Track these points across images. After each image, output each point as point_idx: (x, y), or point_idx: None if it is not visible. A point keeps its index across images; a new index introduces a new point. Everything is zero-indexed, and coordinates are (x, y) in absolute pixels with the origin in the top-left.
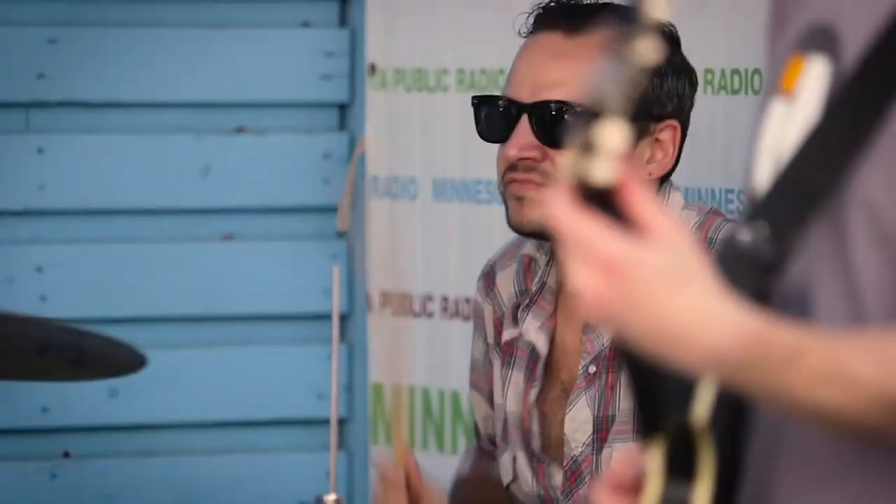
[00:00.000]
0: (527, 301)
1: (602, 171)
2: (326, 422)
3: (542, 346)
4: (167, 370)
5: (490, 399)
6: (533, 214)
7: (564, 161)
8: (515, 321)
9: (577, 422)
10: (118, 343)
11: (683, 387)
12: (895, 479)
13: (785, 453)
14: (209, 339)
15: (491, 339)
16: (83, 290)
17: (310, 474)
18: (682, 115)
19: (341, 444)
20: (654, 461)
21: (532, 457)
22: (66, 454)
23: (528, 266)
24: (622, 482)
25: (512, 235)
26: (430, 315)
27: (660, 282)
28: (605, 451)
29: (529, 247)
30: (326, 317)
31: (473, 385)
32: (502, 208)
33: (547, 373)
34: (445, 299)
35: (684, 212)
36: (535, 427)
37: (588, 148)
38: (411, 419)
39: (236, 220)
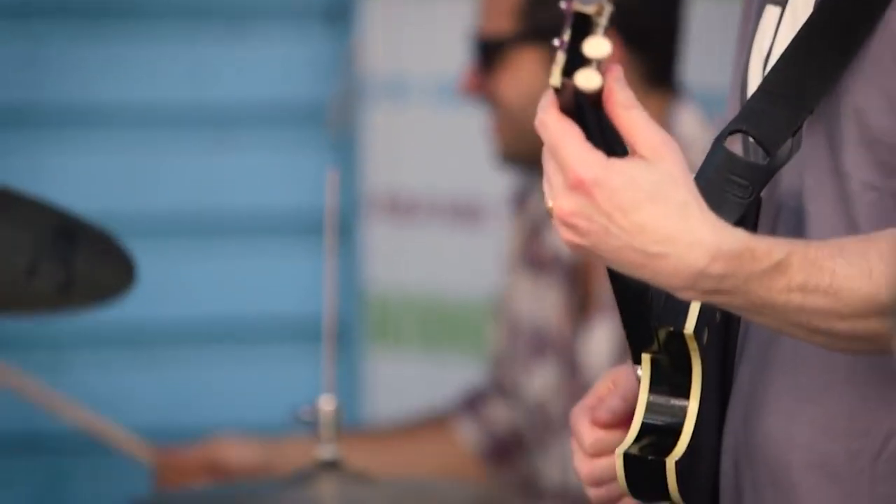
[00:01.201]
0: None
1: (586, 79)
2: (319, 326)
3: (573, 257)
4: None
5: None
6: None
7: (553, 69)
8: (548, 231)
9: (597, 344)
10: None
11: (671, 300)
12: (888, 389)
13: (775, 369)
14: (203, 244)
15: (518, 258)
16: None
17: (306, 378)
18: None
19: (337, 348)
20: (644, 373)
21: (569, 370)
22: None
23: None
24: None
25: None
26: (429, 219)
27: (634, 196)
28: None
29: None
30: (320, 219)
31: (497, 317)
32: None
33: (577, 287)
34: (443, 202)
35: (698, 128)
36: (572, 339)
37: (574, 56)
38: (407, 324)
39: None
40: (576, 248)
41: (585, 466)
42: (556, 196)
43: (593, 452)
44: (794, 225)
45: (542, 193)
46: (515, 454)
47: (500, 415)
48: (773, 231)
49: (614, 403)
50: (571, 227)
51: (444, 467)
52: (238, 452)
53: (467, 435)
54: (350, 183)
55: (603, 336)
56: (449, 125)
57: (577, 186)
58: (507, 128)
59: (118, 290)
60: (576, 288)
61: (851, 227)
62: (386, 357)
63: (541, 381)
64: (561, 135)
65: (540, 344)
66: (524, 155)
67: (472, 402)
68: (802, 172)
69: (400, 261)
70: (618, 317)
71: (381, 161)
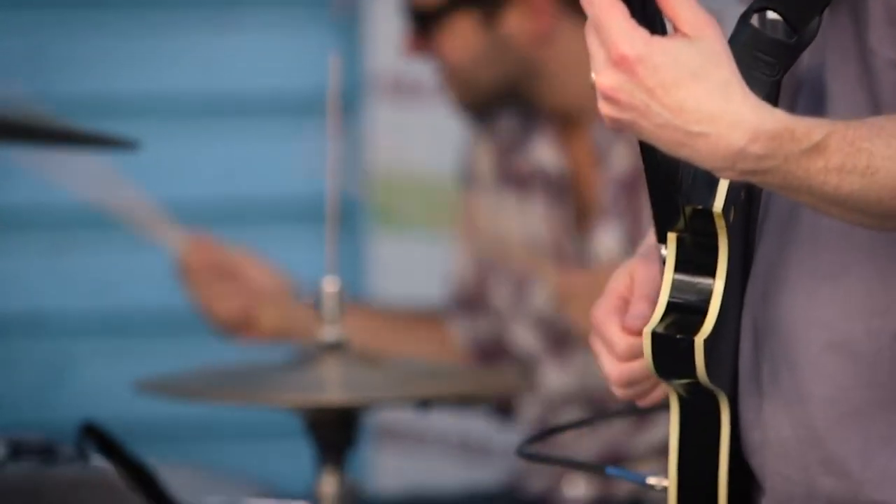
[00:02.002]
0: (535, 126)
1: None
2: (322, 204)
3: (558, 169)
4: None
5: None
6: None
7: None
8: (524, 148)
9: (606, 245)
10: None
11: (700, 179)
12: None
13: (794, 247)
14: (210, 122)
15: (491, 177)
16: None
17: (310, 260)
18: None
19: (341, 230)
20: (669, 252)
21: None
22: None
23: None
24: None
25: None
26: (433, 100)
27: (675, 75)
28: None
29: None
30: (322, 99)
31: (464, 235)
32: None
33: (568, 197)
34: None
35: None
36: (571, 248)
37: None
38: (411, 206)
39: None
40: (615, 122)
41: (616, 369)
42: (598, 71)
43: (627, 357)
44: (815, 102)
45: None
46: (502, 359)
47: (479, 326)
48: (792, 108)
49: (642, 308)
50: (613, 101)
51: (437, 357)
52: (261, 275)
53: (457, 332)
54: (353, 65)
55: (610, 239)
56: None
57: (620, 63)
58: (455, 82)
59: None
60: (567, 198)
61: (874, 104)
62: (389, 239)
63: (543, 294)
64: (606, 10)
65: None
66: (474, 104)
67: (463, 305)
68: (825, 50)
69: (403, 142)
70: (621, 218)
71: (384, 43)
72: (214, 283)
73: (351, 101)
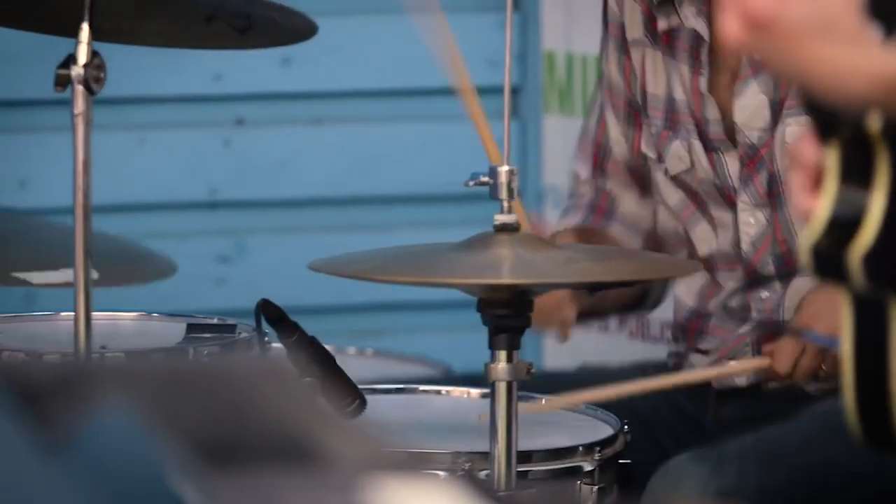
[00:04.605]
0: None
1: None
2: (499, 90)
3: (703, 31)
4: (339, 38)
5: (628, 119)
6: None
7: None
8: (672, 6)
9: (751, 109)
10: (288, 10)
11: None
12: None
13: None
14: (380, 5)
15: (638, 34)
16: None
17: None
18: None
19: (514, 113)
20: (830, 163)
21: (707, 145)
22: (239, 121)
23: None
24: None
25: None
26: None
27: (801, 34)
28: (779, 129)
29: None
30: None
31: (610, 105)
32: None
33: (712, 59)
34: None
35: None
36: (711, 115)
37: None
38: (575, 85)
39: None
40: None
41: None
42: (729, 21)
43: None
44: None
45: None
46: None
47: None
48: None
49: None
50: (741, 49)
51: None
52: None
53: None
54: None
55: (755, 97)
56: None
57: (752, 18)
58: None
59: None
60: (700, 58)
61: None
62: (560, 122)
63: (676, 156)
64: None
65: (673, 119)
66: None
67: (594, 207)
68: None
69: (572, 29)
70: (763, 77)
71: None
72: None
73: None
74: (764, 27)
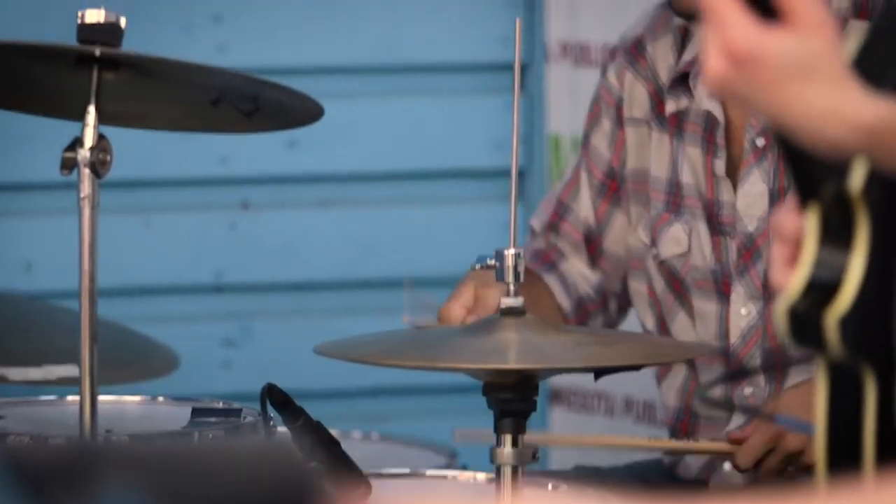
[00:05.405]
0: (697, 69)
1: None
2: (503, 173)
3: (718, 112)
4: (345, 121)
5: (601, 188)
6: None
7: None
8: (684, 90)
9: (752, 196)
10: (295, 93)
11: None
12: None
13: None
14: (387, 89)
15: (641, 114)
16: (261, 40)
17: (487, 226)
18: None
19: (520, 195)
20: (809, 227)
21: (715, 229)
22: (245, 204)
23: (683, 36)
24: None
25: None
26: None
27: (784, 74)
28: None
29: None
30: (504, 67)
31: (587, 170)
32: None
33: (728, 141)
34: None
35: None
36: (726, 197)
37: None
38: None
39: None
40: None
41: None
42: (710, 57)
43: None
44: None
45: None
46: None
47: (583, 273)
48: None
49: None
50: (719, 87)
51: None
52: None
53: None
54: (532, 31)
55: (755, 184)
56: None
57: (732, 55)
58: None
59: (306, 117)
60: (715, 140)
61: None
62: None
63: (673, 240)
64: (722, 1)
65: (675, 202)
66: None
67: (551, 262)
68: None
69: (577, 112)
70: (764, 166)
71: (561, 8)
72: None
73: (530, 67)
74: (745, 63)
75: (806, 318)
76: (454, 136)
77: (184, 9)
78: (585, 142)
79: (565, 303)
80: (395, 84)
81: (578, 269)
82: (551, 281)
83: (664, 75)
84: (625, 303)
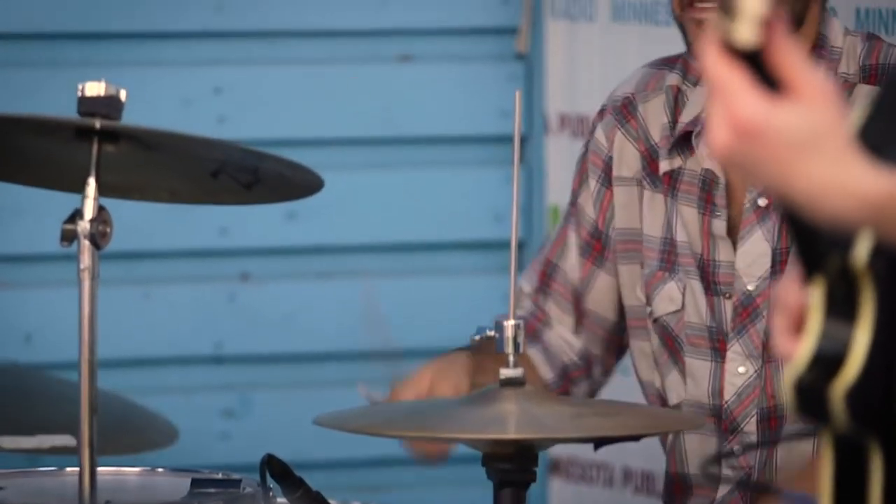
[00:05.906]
0: (699, 129)
1: (744, 33)
2: (503, 244)
3: (719, 171)
4: (345, 192)
5: (585, 247)
6: None
7: (711, 20)
8: (679, 151)
9: (752, 256)
10: (295, 165)
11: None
12: None
13: None
14: (387, 160)
15: (631, 173)
16: (260, 112)
17: (488, 297)
18: None
19: (520, 266)
20: (814, 299)
21: (709, 288)
22: (245, 276)
23: (676, 96)
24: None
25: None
26: None
27: (789, 148)
28: (779, 280)
29: (673, 77)
30: (504, 139)
31: (574, 229)
32: None
33: (719, 201)
34: None
35: (848, 38)
36: (723, 257)
37: (730, 9)
38: None
39: (414, 41)
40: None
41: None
42: (715, 128)
43: None
44: None
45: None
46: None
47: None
48: None
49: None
50: (724, 158)
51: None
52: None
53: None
54: (531, 103)
55: (757, 244)
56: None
57: (738, 127)
58: None
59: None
60: (714, 200)
61: None
62: None
63: (667, 297)
64: (727, 72)
65: (670, 259)
66: None
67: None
68: None
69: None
70: (767, 225)
71: (559, 81)
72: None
73: (530, 139)
74: (750, 137)
75: (812, 390)
76: (454, 207)
77: (184, 81)
78: (573, 200)
79: (548, 375)
80: (394, 156)
81: (562, 336)
82: (534, 354)
83: (657, 135)
84: (609, 366)
